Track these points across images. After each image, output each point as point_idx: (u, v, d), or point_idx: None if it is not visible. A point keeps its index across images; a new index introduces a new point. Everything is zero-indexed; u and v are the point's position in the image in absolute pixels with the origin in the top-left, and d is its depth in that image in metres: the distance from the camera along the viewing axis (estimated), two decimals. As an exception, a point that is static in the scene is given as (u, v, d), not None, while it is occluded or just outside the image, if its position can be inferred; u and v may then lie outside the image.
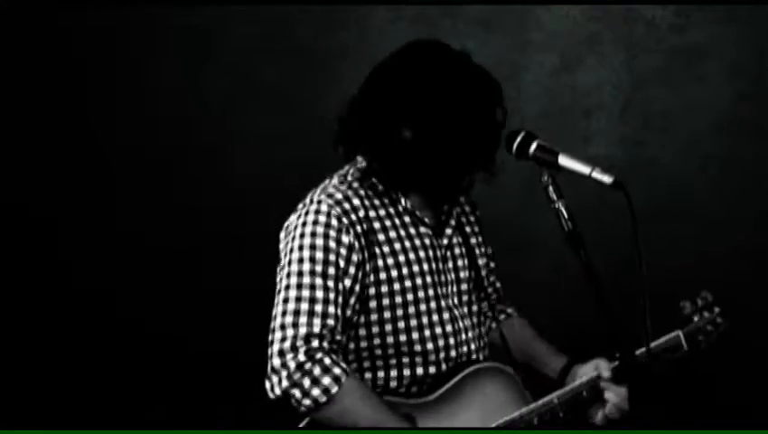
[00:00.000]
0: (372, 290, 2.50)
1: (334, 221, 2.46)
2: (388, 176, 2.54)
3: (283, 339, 2.38)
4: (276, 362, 2.37)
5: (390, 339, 2.51)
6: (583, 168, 2.44)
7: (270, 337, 2.41)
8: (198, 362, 4.04)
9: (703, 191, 3.99)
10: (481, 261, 2.75)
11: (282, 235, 2.54)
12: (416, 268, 2.55)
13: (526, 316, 2.90)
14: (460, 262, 2.68)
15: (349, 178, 2.57)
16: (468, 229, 2.75)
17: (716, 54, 3.99)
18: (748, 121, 3.98)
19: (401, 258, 2.53)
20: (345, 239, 2.46)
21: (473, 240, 2.75)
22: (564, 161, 2.48)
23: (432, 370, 2.55)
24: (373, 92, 2.55)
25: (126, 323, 4.07)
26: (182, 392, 4.02)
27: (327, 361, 2.37)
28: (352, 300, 2.47)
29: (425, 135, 2.48)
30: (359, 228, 2.48)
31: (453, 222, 2.67)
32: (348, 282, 2.45)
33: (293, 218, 2.52)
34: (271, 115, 4.11)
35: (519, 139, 2.53)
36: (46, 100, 4.12)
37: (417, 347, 2.53)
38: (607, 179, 2.41)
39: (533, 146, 2.51)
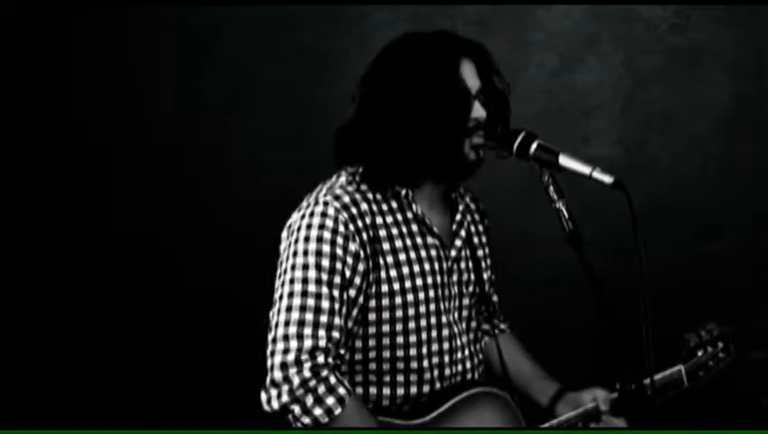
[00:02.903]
0: (373, 302, 2.41)
1: (341, 228, 2.36)
2: (383, 170, 2.45)
3: (286, 351, 2.29)
4: (278, 375, 2.28)
5: (386, 353, 2.44)
6: (583, 168, 2.44)
7: (271, 347, 2.31)
8: (199, 362, 4.04)
9: (703, 191, 3.99)
10: (485, 275, 2.68)
11: (284, 234, 2.43)
12: (419, 282, 2.46)
13: (517, 334, 2.88)
14: (465, 276, 2.59)
15: (357, 178, 2.47)
16: (476, 240, 2.68)
17: (715, 54, 3.99)
18: (748, 121, 3.98)
19: (405, 270, 2.44)
20: (352, 247, 2.36)
21: (480, 253, 2.67)
22: (564, 161, 2.47)
23: (426, 389, 2.48)
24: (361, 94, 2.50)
25: (126, 323, 4.07)
26: (183, 393, 4.02)
27: (332, 380, 2.30)
28: (355, 311, 2.38)
29: (407, 115, 2.40)
30: (365, 235, 2.39)
31: (463, 234, 2.58)
32: (353, 292, 2.37)
33: (296, 217, 2.42)
34: (271, 115, 4.11)
35: (519, 139, 2.52)
36: (46, 100, 4.12)
37: (414, 364, 2.46)
38: (607, 179, 2.40)
39: (533, 146, 2.51)
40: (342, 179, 2.48)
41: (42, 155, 4.12)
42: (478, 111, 2.48)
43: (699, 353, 2.71)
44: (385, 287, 2.41)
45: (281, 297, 2.34)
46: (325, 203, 2.39)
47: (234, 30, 4.11)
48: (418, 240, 2.49)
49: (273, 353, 2.30)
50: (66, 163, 4.13)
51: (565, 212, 2.45)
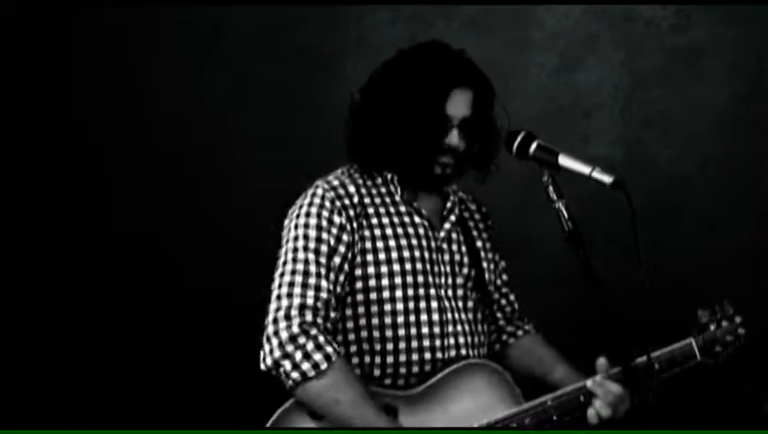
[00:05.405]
0: (359, 271, 2.57)
1: (327, 203, 2.58)
2: (370, 162, 2.67)
3: (277, 309, 2.48)
4: (270, 329, 2.46)
5: (376, 320, 2.57)
6: (583, 168, 2.45)
7: (267, 308, 2.51)
8: (199, 362, 4.04)
9: (703, 191, 3.99)
10: (485, 264, 2.78)
11: (286, 221, 2.66)
12: (406, 254, 2.60)
13: (543, 333, 2.90)
14: (457, 257, 2.71)
15: (351, 170, 2.70)
16: (475, 232, 2.79)
17: (716, 54, 3.99)
18: (748, 121, 3.98)
19: (392, 242, 2.60)
20: (337, 219, 2.57)
21: (479, 244, 2.79)
22: (564, 161, 2.48)
23: (415, 357, 2.57)
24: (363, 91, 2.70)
25: (126, 322, 4.07)
26: (183, 392, 4.02)
27: (321, 338, 2.44)
28: (341, 277, 2.55)
29: (388, 121, 2.61)
30: (351, 211, 2.59)
31: (453, 218, 2.72)
32: (338, 260, 2.54)
33: (295, 204, 2.66)
34: (271, 115, 4.11)
35: (519, 139, 2.53)
36: (46, 100, 4.12)
37: (401, 331, 2.57)
38: (607, 179, 2.41)
39: (533, 146, 2.52)
40: (338, 172, 2.71)
41: (42, 155, 4.12)
42: (453, 139, 2.61)
43: (712, 328, 2.71)
44: (370, 257, 2.58)
45: (277, 268, 2.58)
46: (316, 186, 2.64)
47: (234, 30, 4.11)
48: (406, 219, 2.67)
49: (267, 312, 2.50)
50: (66, 163, 4.12)
51: (564, 211, 2.47)
